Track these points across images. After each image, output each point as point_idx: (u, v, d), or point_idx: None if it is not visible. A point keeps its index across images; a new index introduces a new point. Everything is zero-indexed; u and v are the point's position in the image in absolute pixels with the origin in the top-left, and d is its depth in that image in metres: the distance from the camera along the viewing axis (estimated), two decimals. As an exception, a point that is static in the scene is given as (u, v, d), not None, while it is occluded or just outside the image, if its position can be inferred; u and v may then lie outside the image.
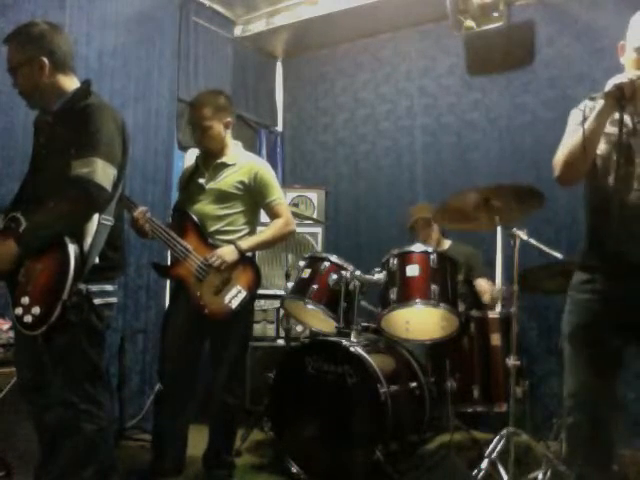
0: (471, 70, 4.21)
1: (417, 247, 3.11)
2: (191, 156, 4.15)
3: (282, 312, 4.03)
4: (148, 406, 3.81)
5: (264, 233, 2.95)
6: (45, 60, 2.12)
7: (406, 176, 4.69)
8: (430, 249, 3.08)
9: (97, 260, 2.07)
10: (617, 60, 2.03)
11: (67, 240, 1.99)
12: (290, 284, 3.23)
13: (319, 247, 4.23)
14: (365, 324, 3.27)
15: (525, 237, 2.93)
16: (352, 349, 2.83)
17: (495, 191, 2.80)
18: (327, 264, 3.14)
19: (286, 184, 5.03)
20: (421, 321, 3.11)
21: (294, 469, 2.89)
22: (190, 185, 2.97)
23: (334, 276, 3.08)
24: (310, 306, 3.11)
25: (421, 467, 3.00)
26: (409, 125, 4.73)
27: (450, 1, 3.78)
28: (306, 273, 3.16)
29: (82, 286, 2.01)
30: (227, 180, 2.90)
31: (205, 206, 2.89)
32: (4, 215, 2.13)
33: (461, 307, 3.10)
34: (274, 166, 5.23)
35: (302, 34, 4.97)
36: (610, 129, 1.90)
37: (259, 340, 4.11)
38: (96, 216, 2.06)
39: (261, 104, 5.26)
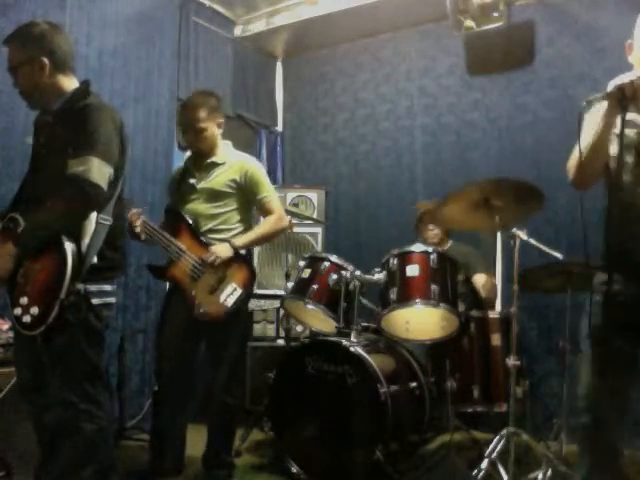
0: (471, 70, 4.21)
1: (417, 247, 3.10)
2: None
3: (282, 312, 4.03)
4: (148, 406, 3.80)
5: (257, 230, 2.96)
6: (45, 60, 2.13)
7: (406, 176, 4.69)
8: (430, 249, 3.08)
9: (96, 260, 2.06)
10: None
11: (64, 239, 1.99)
12: (290, 284, 3.23)
13: (319, 247, 4.23)
14: (365, 324, 3.26)
15: (525, 237, 2.94)
16: (352, 349, 2.83)
17: (495, 188, 2.79)
18: (327, 264, 3.14)
19: (286, 184, 5.04)
20: (421, 321, 3.11)
21: (294, 469, 2.88)
22: (181, 186, 2.97)
23: (334, 276, 3.08)
24: (310, 306, 3.11)
25: (421, 467, 3.00)
26: (409, 125, 4.73)
27: (450, 1, 3.78)
28: (306, 273, 3.16)
29: (80, 286, 2.01)
30: (219, 179, 2.90)
31: (198, 205, 2.89)
32: (3, 216, 2.13)
33: (461, 307, 3.09)
34: (274, 166, 5.26)
35: (302, 34, 4.97)
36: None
37: (259, 340, 4.11)
38: (94, 216, 2.06)
39: (261, 104, 5.26)
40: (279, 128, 5.42)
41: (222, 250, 2.77)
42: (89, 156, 1.99)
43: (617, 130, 1.85)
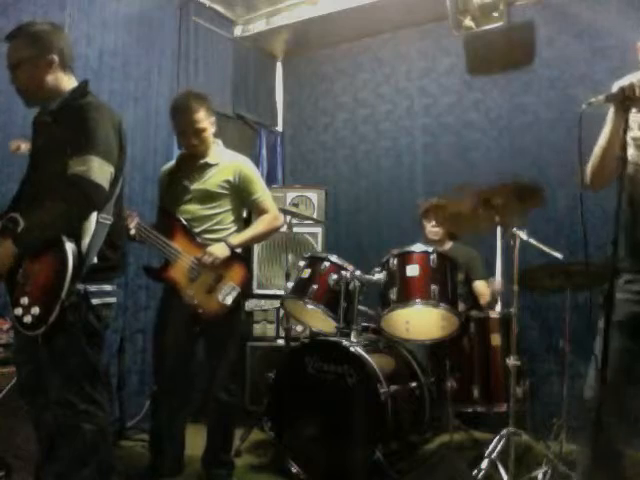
0: (471, 70, 4.20)
1: (417, 247, 3.10)
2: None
3: (282, 312, 4.03)
4: (148, 406, 3.79)
5: (253, 229, 2.97)
6: (55, 57, 2.14)
7: (406, 176, 4.69)
8: (430, 249, 3.07)
9: (96, 260, 2.06)
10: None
11: (65, 239, 1.98)
12: (290, 284, 3.23)
13: (319, 247, 4.22)
14: (365, 324, 3.27)
15: (525, 237, 2.94)
16: (352, 349, 2.83)
17: (495, 190, 2.79)
18: (327, 264, 3.14)
19: (286, 184, 5.04)
20: (421, 321, 3.11)
21: (294, 469, 2.89)
22: (174, 186, 2.96)
23: (334, 276, 3.08)
24: (310, 306, 3.11)
25: (421, 467, 3.00)
26: (409, 125, 4.73)
27: (450, 1, 3.79)
28: (306, 273, 3.16)
29: (80, 286, 2.02)
30: (212, 180, 2.90)
31: (192, 206, 2.89)
32: (2, 215, 2.13)
33: (461, 307, 3.10)
34: (274, 166, 5.25)
35: (302, 34, 4.97)
36: (638, 133, 1.91)
37: (259, 340, 4.11)
38: (94, 215, 2.06)
39: (261, 104, 5.26)
40: (279, 128, 5.42)
41: (219, 250, 2.78)
42: (90, 155, 1.99)
43: (633, 134, 1.87)
